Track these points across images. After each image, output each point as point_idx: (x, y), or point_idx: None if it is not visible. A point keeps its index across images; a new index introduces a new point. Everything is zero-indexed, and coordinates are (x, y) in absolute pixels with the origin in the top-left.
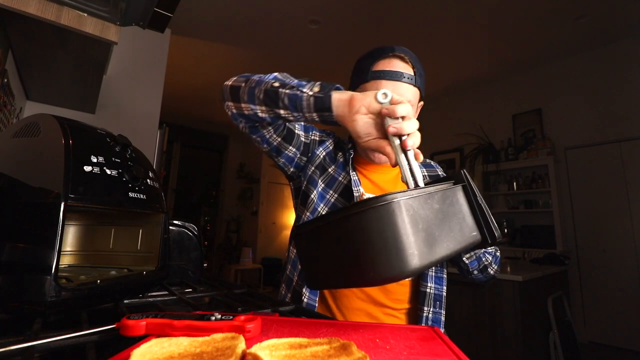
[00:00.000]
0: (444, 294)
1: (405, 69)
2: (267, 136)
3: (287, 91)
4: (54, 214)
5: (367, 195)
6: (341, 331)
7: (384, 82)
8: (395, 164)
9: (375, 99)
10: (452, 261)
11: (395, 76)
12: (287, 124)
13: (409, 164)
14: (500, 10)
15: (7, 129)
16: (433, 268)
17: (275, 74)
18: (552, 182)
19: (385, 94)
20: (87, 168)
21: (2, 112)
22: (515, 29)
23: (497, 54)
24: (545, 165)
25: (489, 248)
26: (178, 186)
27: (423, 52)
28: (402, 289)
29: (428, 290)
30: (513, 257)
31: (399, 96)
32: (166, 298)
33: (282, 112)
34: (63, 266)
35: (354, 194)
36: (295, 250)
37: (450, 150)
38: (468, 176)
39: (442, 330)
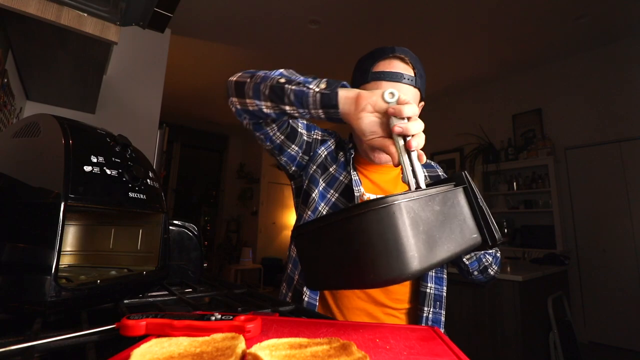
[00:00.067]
0: (444, 294)
1: (406, 70)
2: (271, 134)
3: (293, 87)
4: (54, 214)
5: (367, 195)
6: (341, 331)
7: (384, 83)
8: (398, 164)
9: (382, 98)
10: (453, 262)
11: (395, 77)
12: (290, 122)
13: (411, 164)
14: (500, 10)
15: (7, 129)
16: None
17: (281, 70)
18: (552, 182)
19: (392, 94)
20: (87, 168)
21: (2, 112)
22: (515, 29)
23: (497, 54)
24: (545, 165)
25: (490, 249)
26: (178, 186)
27: (423, 52)
28: (402, 289)
29: (428, 290)
30: (513, 257)
31: (405, 96)
32: (166, 298)
33: (287, 108)
34: (63, 266)
35: (355, 193)
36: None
37: (450, 150)
38: (469, 178)
39: (442, 331)
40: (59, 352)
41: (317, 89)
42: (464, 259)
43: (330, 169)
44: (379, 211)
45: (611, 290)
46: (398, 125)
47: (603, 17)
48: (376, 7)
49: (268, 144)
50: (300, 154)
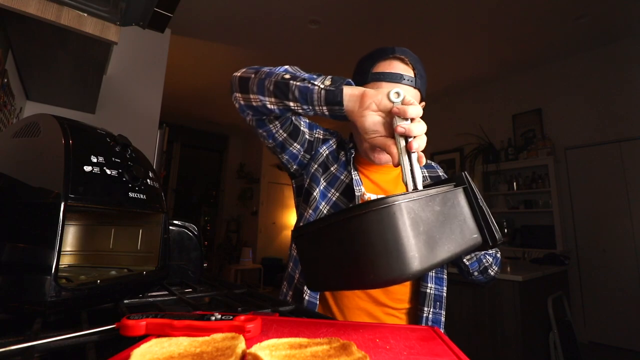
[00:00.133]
0: (444, 294)
1: (406, 70)
2: (274, 131)
3: (298, 83)
4: (54, 214)
5: (368, 195)
6: (341, 331)
7: (384, 84)
8: (398, 164)
9: (388, 97)
10: (453, 262)
11: (395, 78)
12: (293, 120)
13: (411, 165)
14: (500, 10)
15: (7, 129)
16: None
17: (286, 66)
18: (552, 182)
19: (397, 93)
20: (87, 168)
21: (2, 112)
22: (515, 29)
23: (497, 54)
24: (545, 165)
25: (490, 250)
26: (178, 186)
27: (423, 52)
28: (402, 289)
29: (428, 290)
30: (513, 257)
31: (410, 97)
32: (166, 298)
33: (291, 104)
34: (63, 266)
35: (356, 193)
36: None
37: (450, 150)
38: (469, 178)
39: (442, 331)
40: (59, 352)
41: (322, 86)
42: (465, 260)
43: (332, 168)
44: (379, 211)
45: (611, 290)
46: (401, 126)
47: (603, 17)
48: (376, 7)
49: (270, 141)
50: (302, 153)
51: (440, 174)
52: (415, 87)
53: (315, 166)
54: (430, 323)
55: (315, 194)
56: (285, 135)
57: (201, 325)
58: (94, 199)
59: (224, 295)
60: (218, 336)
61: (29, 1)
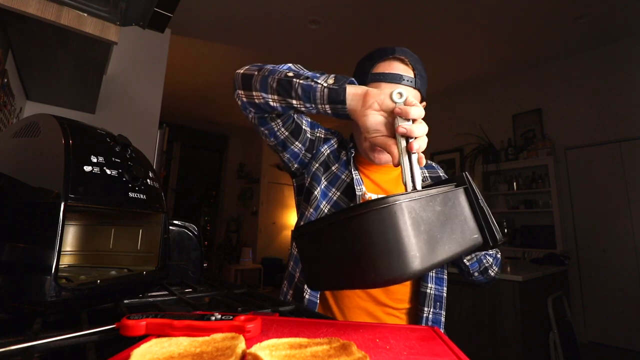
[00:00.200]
0: (445, 294)
1: (405, 71)
2: (275, 129)
3: (301, 81)
4: (54, 214)
5: (369, 195)
6: (341, 331)
7: (383, 85)
8: (398, 164)
9: (390, 97)
10: (453, 263)
11: (394, 79)
12: (295, 118)
13: (410, 166)
14: (500, 10)
15: (7, 129)
16: None
17: (289, 64)
18: (552, 182)
19: (400, 94)
20: (87, 168)
21: (2, 112)
22: (515, 29)
23: (497, 54)
24: (545, 165)
25: (490, 250)
26: (178, 186)
27: (423, 52)
28: (402, 289)
29: (428, 291)
30: (513, 257)
31: (413, 98)
32: (166, 298)
33: (294, 102)
34: (63, 266)
35: (356, 192)
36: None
37: (450, 150)
38: (470, 179)
39: (442, 331)
40: (59, 352)
41: (325, 84)
42: (465, 260)
43: (333, 168)
44: (380, 211)
45: (611, 290)
46: (402, 126)
47: (603, 17)
48: (376, 7)
49: (272, 139)
50: (303, 152)
51: (441, 174)
52: (415, 88)
53: (317, 165)
54: (430, 323)
55: (316, 193)
56: (287, 133)
57: (201, 325)
58: (94, 199)
59: (224, 295)
60: (218, 336)
61: (29, 1)
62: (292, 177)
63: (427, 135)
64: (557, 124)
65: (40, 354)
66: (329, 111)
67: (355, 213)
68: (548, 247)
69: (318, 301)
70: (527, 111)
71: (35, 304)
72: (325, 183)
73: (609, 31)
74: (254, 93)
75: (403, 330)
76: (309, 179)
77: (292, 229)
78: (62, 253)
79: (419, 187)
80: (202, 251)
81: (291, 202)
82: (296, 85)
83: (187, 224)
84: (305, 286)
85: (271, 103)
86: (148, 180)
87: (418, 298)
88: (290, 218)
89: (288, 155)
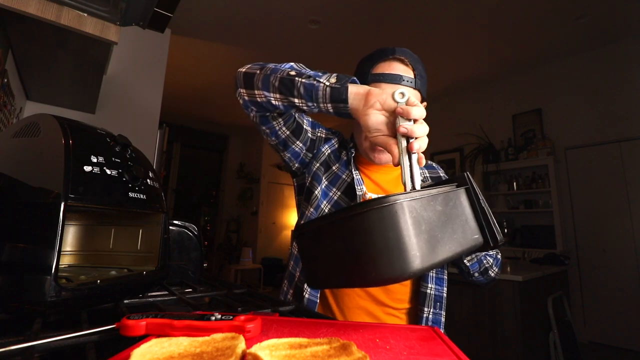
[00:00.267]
0: (445, 295)
1: (405, 71)
2: (277, 128)
3: (304, 80)
4: (54, 214)
5: (369, 195)
6: (341, 331)
7: (383, 85)
8: (398, 164)
9: (392, 97)
10: (453, 263)
11: (394, 79)
12: (296, 118)
13: (410, 166)
14: (500, 10)
15: (7, 129)
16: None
17: (292, 63)
18: (552, 182)
19: (402, 94)
20: (87, 168)
21: (2, 112)
22: (515, 29)
23: (497, 54)
24: (545, 165)
25: (491, 251)
26: (178, 186)
27: (423, 52)
28: (402, 289)
29: (428, 291)
30: (513, 257)
31: (415, 98)
32: (166, 298)
33: (296, 100)
34: (63, 266)
35: (357, 192)
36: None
37: (450, 150)
38: (471, 179)
39: (442, 331)
40: (59, 352)
41: (327, 83)
42: (465, 261)
43: (333, 167)
44: (381, 210)
45: (611, 290)
46: (403, 126)
47: (603, 17)
48: (376, 7)
49: (273, 138)
50: (304, 151)
51: (441, 174)
52: (415, 88)
53: (317, 165)
54: (430, 323)
55: (316, 192)
56: (288, 132)
57: (201, 325)
58: (94, 199)
59: (224, 295)
60: (218, 336)
61: (29, 1)
62: (293, 177)
63: (427, 135)
64: (557, 124)
65: (40, 354)
66: (331, 110)
67: (356, 211)
68: (548, 247)
69: (318, 301)
70: (527, 111)
71: (35, 304)
72: (326, 183)
73: (609, 31)
74: (256, 91)
75: (403, 330)
76: (309, 179)
77: (293, 229)
78: (62, 253)
79: (417, 187)
80: (202, 251)
81: (291, 202)
82: (298, 84)
83: (187, 224)
84: (306, 285)
85: (273, 101)
86: (148, 180)
87: (418, 298)
88: (290, 218)
89: (289, 155)
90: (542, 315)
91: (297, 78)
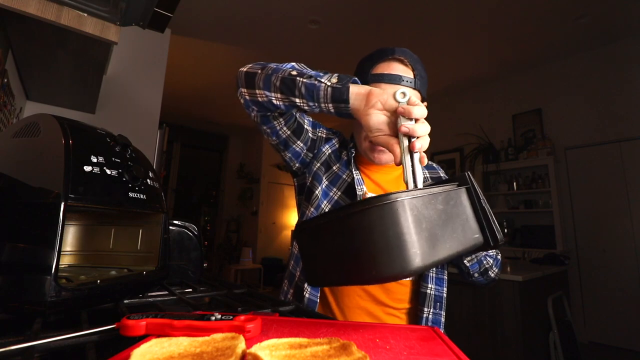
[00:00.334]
0: (444, 295)
1: (405, 72)
2: (278, 128)
3: (305, 80)
4: (54, 214)
5: (369, 195)
6: (341, 331)
7: (383, 86)
8: (400, 164)
9: (394, 96)
10: (453, 263)
11: (394, 80)
12: (297, 117)
13: (412, 165)
14: (500, 10)
15: (7, 129)
16: (434, 269)
17: (293, 63)
18: (552, 182)
19: (403, 93)
20: (87, 168)
21: (2, 112)
22: (515, 29)
23: (497, 54)
24: (545, 165)
25: (491, 251)
26: (178, 186)
27: (423, 52)
28: (402, 289)
29: (428, 291)
30: (513, 257)
31: (416, 98)
32: (166, 298)
33: (297, 100)
34: (63, 266)
35: (357, 192)
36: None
37: (450, 150)
38: (472, 179)
39: (442, 331)
40: (59, 352)
41: (328, 83)
42: (465, 261)
43: (334, 167)
44: (382, 207)
45: (611, 290)
46: (405, 126)
47: (603, 17)
48: (376, 7)
49: (274, 138)
50: (305, 151)
51: (441, 174)
52: (414, 88)
53: (318, 165)
54: (430, 323)
55: (317, 192)
56: (289, 132)
57: (201, 325)
58: (94, 199)
59: (224, 295)
60: (218, 336)
61: (29, 1)
62: (294, 177)
63: (428, 134)
64: (557, 124)
65: (40, 354)
66: (332, 110)
67: (357, 209)
68: (548, 247)
69: (318, 300)
70: (527, 111)
71: (35, 304)
72: (327, 183)
73: (609, 31)
74: (257, 91)
75: (403, 330)
76: (310, 179)
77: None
78: (62, 253)
79: (420, 186)
80: (202, 251)
81: (291, 202)
82: (300, 83)
83: (187, 224)
84: (306, 285)
85: (274, 101)
86: (148, 180)
87: (418, 298)
88: (290, 218)
89: (290, 155)
90: (542, 315)
91: (298, 78)
